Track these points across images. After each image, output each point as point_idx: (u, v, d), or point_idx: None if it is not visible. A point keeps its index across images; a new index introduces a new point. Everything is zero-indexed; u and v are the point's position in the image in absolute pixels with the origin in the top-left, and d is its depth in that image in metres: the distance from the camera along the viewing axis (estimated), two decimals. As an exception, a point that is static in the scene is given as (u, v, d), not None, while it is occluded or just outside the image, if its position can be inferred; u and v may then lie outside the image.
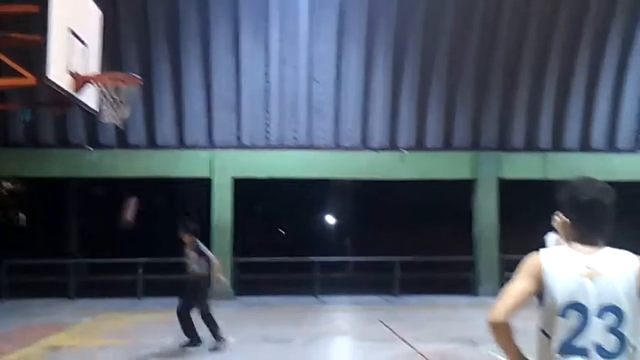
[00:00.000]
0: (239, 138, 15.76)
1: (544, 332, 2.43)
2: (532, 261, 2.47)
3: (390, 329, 10.22)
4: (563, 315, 2.34)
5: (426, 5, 14.91)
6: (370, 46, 15.32)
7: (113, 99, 7.52)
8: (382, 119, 15.89)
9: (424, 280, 15.71)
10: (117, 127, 15.24)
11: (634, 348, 2.33)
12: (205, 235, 15.25)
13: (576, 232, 2.46)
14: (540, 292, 2.41)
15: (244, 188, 15.63)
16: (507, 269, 15.68)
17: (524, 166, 16.15)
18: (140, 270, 15.12)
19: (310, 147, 15.91)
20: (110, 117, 7.84)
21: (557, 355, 2.34)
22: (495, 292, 14.41)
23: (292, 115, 15.73)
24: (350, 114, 15.83)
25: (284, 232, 24.31)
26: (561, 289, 2.34)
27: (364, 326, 10.98)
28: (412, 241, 16.30)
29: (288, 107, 15.70)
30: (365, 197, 18.00)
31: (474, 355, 8.18)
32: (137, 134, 15.49)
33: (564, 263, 2.38)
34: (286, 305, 14.03)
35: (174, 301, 13.67)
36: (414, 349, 8.64)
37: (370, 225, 17.01)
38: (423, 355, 8.16)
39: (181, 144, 15.71)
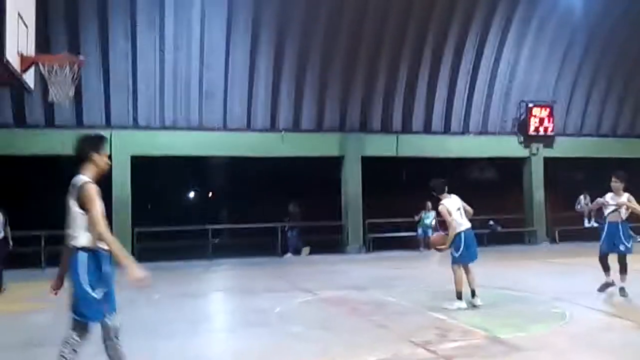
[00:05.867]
0: (135, 119, 15.30)
1: None
2: None
3: (290, 282, 10.69)
4: None
5: (303, 4, 15.53)
6: (255, 38, 15.81)
7: (60, 78, 7.18)
8: (265, 103, 16.33)
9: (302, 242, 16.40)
10: (13, 109, 14.35)
11: None
12: (108, 209, 14.79)
13: None
14: None
15: (141, 165, 15.22)
16: (370, 231, 16.90)
17: (381, 145, 17.24)
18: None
19: (201, 128, 15.86)
20: (56, 97, 7.49)
21: None
22: (360, 251, 15.55)
23: (185, 99, 15.69)
24: (237, 98, 16.02)
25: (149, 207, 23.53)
26: None
27: (268, 281, 11.38)
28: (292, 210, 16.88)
29: (181, 92, 15.59)
30: (250, 172, 18.26)
31: (367, 297, 9.03)
32: (36, 114, 14.50)
33: None
34: (186, 268, 14.05)
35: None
36: (317, 295, 9.16)
37: (257, 197, 17.33)
38: (327, 300, 8.74)
39: (80, 124, 14.89)
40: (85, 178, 3.94)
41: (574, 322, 6.79)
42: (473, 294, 7.73)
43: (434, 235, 9.29)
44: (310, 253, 16.25)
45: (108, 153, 4.11)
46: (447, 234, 7.96)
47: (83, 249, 3.91)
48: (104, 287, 3.97)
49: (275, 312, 7.91)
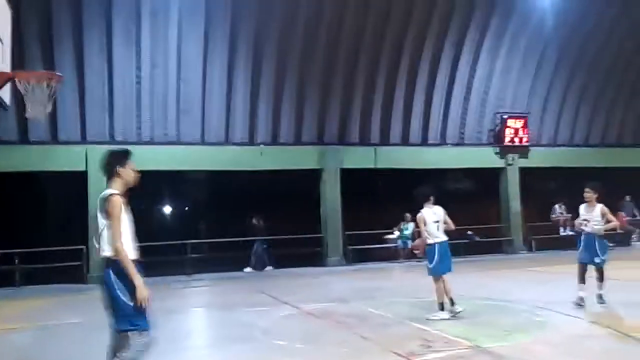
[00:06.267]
0: (111, 134, 15.17)
1: None
2: None
3: (272, 296, 10.64)
4: None
5: (280, 18, 15.59)
6: (232, 53, 15.80)
7: (37, 95, 7.09)
8: (243, 117, 16.32)
9: (280, 255, 16.31)
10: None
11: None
12: (84, 226, 14.67)
13: None
14: None
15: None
16: (349, 243, 16.95)
17: (359, 158, 17.33)
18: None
19: (179, 142, 15.78)
20: (34, 113, 7.38)
21: None
22: (340, 263, 15.57)
23: (162, 113, 15.60)
24: (215, 113, 15.98)
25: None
26: None
27: (249, 295, 11.30)
28: (270, 223, 16.81)
29: (158, 106, 15.51)
30: (229, 186, 18.22)
31: (349, 310, 9.01)
32: (10, 130, 14.28)
33: None
34: (164, 283, 13.84)
35: (53, 287, 13.11)
36: (300, 309, 9.14)
37: (236, 211, 17.25)
38: (310, 313, 8.72)
39: (55, 140, 14.71)
40: (111, 191, 4.02)
41: (555, 330, 6.88)
42: (452, 302, 7.84)
43: (417, 240, 9.15)
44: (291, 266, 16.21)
45: (134, 166, 4.19)
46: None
47: (114, 260, 3.94)
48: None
49: (259, 327, 7.86)
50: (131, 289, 3.93)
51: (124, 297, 3.92)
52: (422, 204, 8.09)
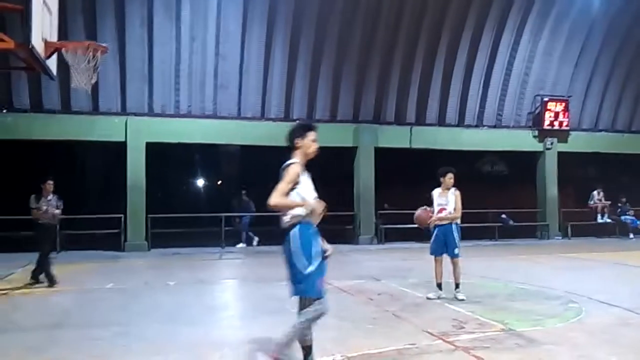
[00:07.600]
0: (150, 106, 15.37)
1: None
2: None
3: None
4: None
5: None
6: (271, 28, 15.74)
7: (83, 65, 7.23)
8: (279, 93, 16.31)
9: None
10: (31, 92, 14.45)
11: None
12: (122, 195, 14.99)
13: None
14: None
15: (156, 151, 15.31)
16: (382, 222, 16.93)
17: (394, 137, 17.20)
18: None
19: (216, 116, 15.91)
20: (79, 83, 7.53)
21: None
22: (372, 241, 15.55)
23: (200, 87, 15.70)
24: (252, 88, 16.01)
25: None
26: None
27: (282, 269, 11.35)
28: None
29: (196, 80, 15.61)
30: (263, 161, 18.28)
31: (382, 288, 9.02)
32: (52, 99, 14.59)
33: None
34: (199, 254, 14.15)
35: (92, 253, 13.46)
36: (332, 285, 9.18)
37: (270, 185, 17.34)
38: (342, 289, 8.77)
39: (96, 109, 14.99)
40: (291, 160, 4.24)
41: (591, 317, 6.78)
42: (440, 287, 7.99)
43: (419, 211, 8.22)
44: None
45: (314, 138, 4.38)
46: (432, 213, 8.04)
47: (293, 225, 4.14)
48: (316, 260, 4.17)
49: (291, 300, 7.94)
50: (308, 256, 4.12)
51: (299, 264, 4.11)
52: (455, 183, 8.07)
